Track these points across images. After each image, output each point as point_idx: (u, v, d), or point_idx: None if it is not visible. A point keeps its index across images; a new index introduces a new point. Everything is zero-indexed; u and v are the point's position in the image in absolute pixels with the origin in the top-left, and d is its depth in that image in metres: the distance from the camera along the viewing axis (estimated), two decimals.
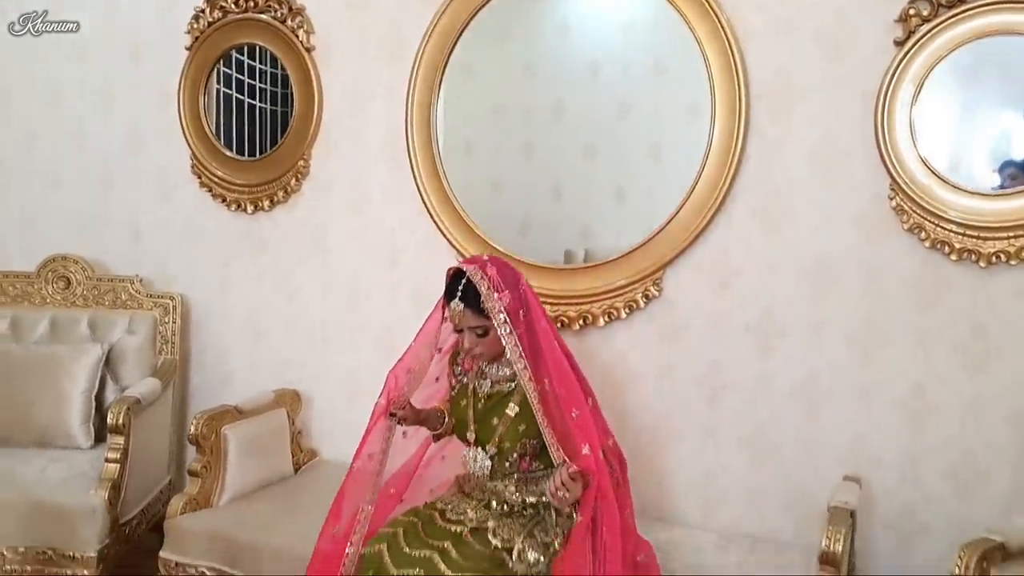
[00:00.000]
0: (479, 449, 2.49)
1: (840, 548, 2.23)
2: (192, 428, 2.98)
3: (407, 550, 2.41)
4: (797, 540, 2.81)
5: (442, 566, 2.35)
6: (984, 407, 2.69)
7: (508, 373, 2.48)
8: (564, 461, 2.30)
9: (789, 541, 2.83)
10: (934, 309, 2.73)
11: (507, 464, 2.46)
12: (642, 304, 3.04)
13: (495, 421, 2.46)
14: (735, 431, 2.98)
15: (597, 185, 3.13)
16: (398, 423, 2.52)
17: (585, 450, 2.29)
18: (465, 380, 2.57)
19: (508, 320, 2.35)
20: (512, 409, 2.43)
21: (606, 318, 3.08)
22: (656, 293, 3.03)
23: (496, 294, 2.36)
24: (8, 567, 2.93)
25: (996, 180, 2.62)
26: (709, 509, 3.02)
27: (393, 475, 2.62)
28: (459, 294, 2.39)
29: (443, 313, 2.49)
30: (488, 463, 2.48)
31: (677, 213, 2.95)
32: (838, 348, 2.84)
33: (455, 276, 2.43)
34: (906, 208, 2.70)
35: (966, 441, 2.71)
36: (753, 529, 2.94)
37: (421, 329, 2.55)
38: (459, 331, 2.45)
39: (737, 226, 2.93)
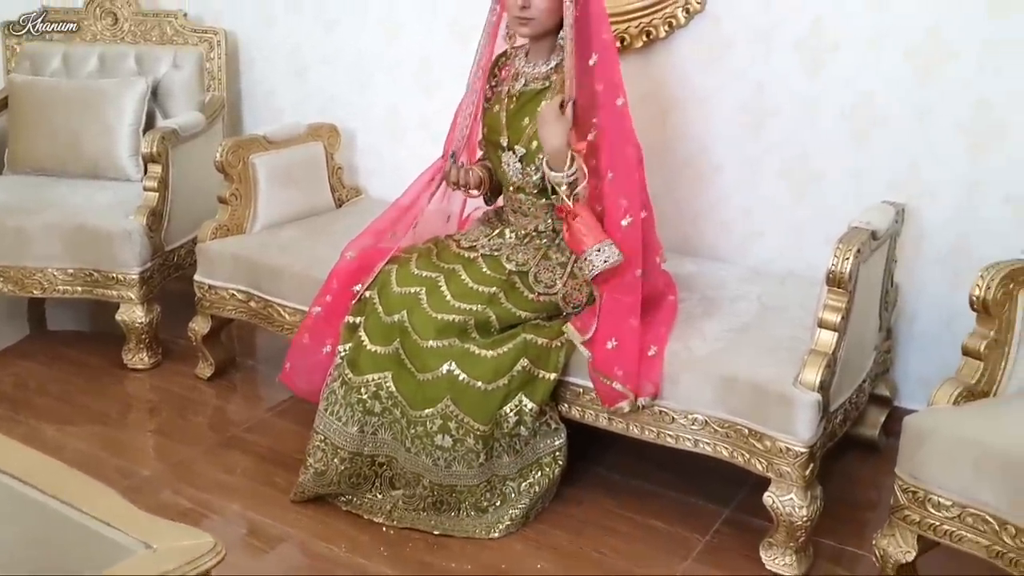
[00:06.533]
0: (511, 153, 2.38)
1: (848, 268, 2.02)
2: (217, 155, 2.96)
3: (415, 271, 2.38)
4: None
5: (444, 287, 2.33)
6: None
7: (544, 71, 2.35)
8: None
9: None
10: (1009, 15, 2.33)
11: (534, 168, 2.34)
12: (683, 20, 2.74)
13: (526, 121, 2.34)
14: (778, 161, 2.72)
15: None
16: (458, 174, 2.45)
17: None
18: (500, 88, 2.44)
19: None
20: (543, 106, 2.28)
21: (644, 38, 2.80)
22: (698, 7, 2.71)
23: None
24: (60, 287, 3.07)
25: None
26: (744, 245, 2.83)
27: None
28: None
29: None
30: (519, 165, 2.37)
31: None
32: (895, 64, 2.49)
33: None
34: None
35: None
36: (791, 266, 2.73)
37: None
38: None
39: None
